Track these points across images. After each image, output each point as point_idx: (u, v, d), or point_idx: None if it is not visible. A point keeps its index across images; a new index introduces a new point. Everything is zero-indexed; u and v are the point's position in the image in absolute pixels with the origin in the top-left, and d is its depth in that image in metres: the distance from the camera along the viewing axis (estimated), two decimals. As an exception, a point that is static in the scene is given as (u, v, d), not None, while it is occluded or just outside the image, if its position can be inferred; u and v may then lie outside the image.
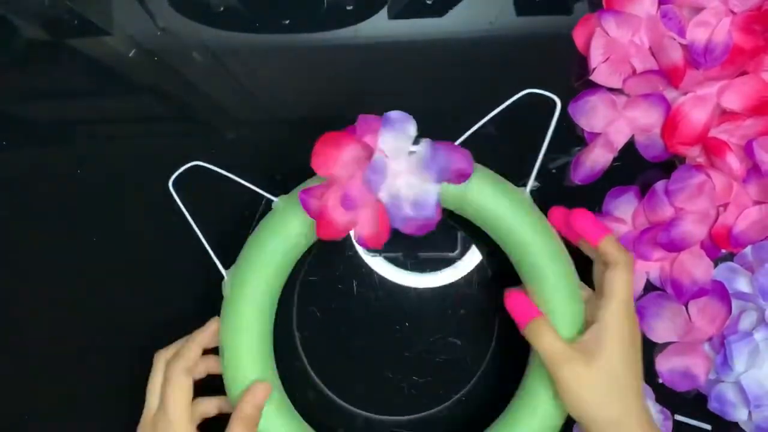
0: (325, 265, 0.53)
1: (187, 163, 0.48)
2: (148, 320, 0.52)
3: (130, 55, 0.55)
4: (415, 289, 0.52)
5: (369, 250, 0.52)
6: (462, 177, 0.42)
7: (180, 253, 0.52)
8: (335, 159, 0.41)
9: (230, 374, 0.44)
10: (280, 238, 0.45)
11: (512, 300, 0.45)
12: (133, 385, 0.47)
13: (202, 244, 0.46)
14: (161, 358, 0.46)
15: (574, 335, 0.44)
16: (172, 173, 0.50)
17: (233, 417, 0.43)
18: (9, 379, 0.53)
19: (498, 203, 0.45)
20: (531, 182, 0.47)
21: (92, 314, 0.53)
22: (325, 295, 0.53)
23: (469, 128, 0.52)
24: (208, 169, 0.46)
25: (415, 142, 0.42)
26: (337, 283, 0.52)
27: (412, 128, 0.42)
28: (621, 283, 0.42)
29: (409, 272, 0.52)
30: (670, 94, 0.51)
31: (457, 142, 0.44)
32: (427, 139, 0.42)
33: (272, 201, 0.46)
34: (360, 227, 0.42)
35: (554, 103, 0.45)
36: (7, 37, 0.55)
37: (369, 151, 0.41)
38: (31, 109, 0.56)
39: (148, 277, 0.53)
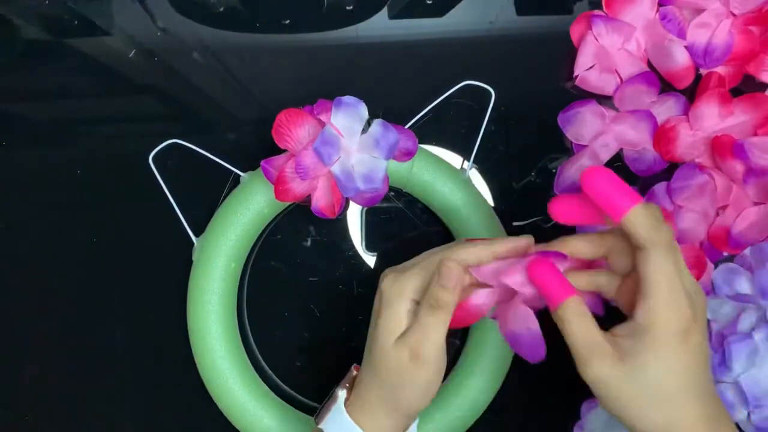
0: (326, 265, 0.53)
1: (187, 162, 0.51)
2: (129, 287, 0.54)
3: (130, 55, 0.54)
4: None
5: (369, 249, 0.52)
6: (408, 155, 0.47)
7: (165, 232, 0.53)
8: (293, 133, 0.46)
9: (194, 326, 0.49)
10: (245, 208, 0.49)
11: (542, 271, 0.36)
12: (121, 346, 0.53)
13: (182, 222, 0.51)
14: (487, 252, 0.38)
15: None
16: (172, 172, 0.51)
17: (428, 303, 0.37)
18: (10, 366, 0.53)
19: (439, 181, 0.49)
20: (470, 165, 0.52)
21: (90, 311, 0.53)
22: (325, 295, 0.53)
23: (469, 126, 0.52)
24: (186, 147, 0.51)
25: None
26: (337, 283, 0.53)
27: (363, 111, 0.46)
28: (660, 272, 0.33)
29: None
30: (657, 109, 0.51)
31: (407, 126, 0.50)
32: (379, 119, 0.46)
33: (240, 176, 0.50)
34: (316, 199, 0.47)
35: (489, 93, 0.51)
36: (7, 37, 0.55)
37: (322, 127, 0.46)
38: (31, 109, 0.56)
39: (135, 262, 0.54)
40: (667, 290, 0.33)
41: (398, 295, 0.38)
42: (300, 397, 0.52)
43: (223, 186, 0.52)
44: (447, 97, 0.51)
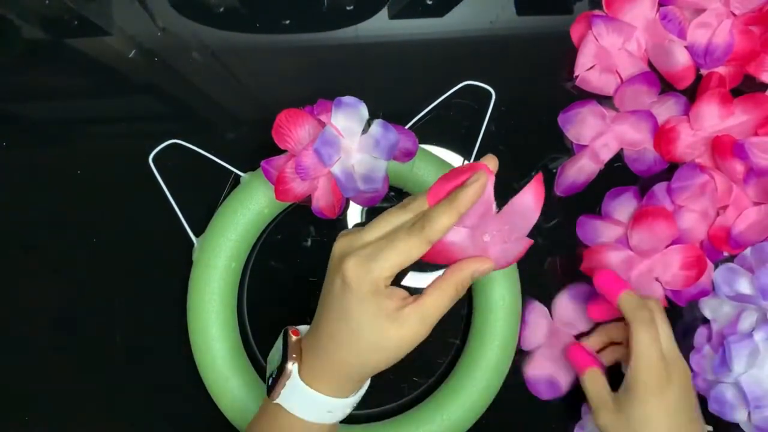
0: (326, 265, 0.52)
1: (187, 162, 0.51)
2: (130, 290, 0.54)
3: (130, 55, 0.54)
4: (416, 289, 0.52)
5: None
6: (408, 156, 0.47)
7: (166, 232, 0.52)
8: (293, 133, 0.46)
9: (194, 326, 0.49)
10: (245, 208, 0.49)
11: (575, 351, 0.49)
12: (121, 346, 0.52)
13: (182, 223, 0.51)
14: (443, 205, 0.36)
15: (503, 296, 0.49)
16: (172, 172, 0.51)
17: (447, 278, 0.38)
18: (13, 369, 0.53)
19: None
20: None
21: (90, 310, 0.53)
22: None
23: (470, 127, 0.52)
24: (186, 147, 0.51)
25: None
26: (337, 283, 0.52)
27: (363, 111, 0.45)
28: (640, 344, 0.44)
29: (409, 272, 0.52)
30: (657, 109, 0.51)
31: (407, 126, 0.50)
32: (380, 120, 0.45)
33: (240, 176, 0.50)
34: (316, 200, 0.47)
35: (489, 93, 0.51)
36: (7, 37, 0.55)
37: (323, 127, 0.45)
38: (31, 109, 0.56)
39: (135, 262, 0.54)
40: (644, 358, 0.44)
41: (373, 292, 0.36)
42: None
43: (223, 186, 0.52)
44: (447, 97, 0.51)
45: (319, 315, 0.39)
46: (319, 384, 0.38)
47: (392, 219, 0.38)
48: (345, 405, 0.39)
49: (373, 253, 0.36)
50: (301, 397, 0.38)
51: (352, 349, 0.37)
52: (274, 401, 0.39)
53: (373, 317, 0.36)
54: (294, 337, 0.39)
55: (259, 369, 0.51)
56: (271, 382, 0.39)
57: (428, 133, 0.52)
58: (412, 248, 0.36)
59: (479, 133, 0.51)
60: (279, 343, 0.40)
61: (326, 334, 0.38)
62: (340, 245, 0.38)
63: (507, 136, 0.53)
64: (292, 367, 0.38)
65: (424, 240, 0.36)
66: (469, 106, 0.53)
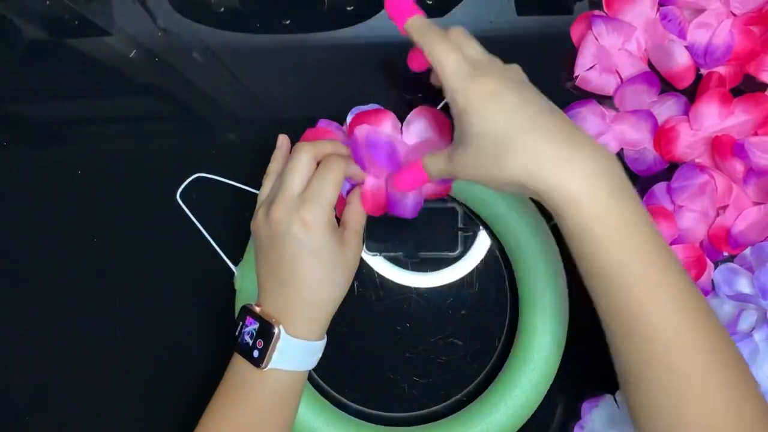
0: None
1: (187, 162, 0.51)
2: (162, 323, 0.53)
3: (131, 55, 0.54)
4: (416, 289, 0.52)
5: (369, 250, 0.52)
6: None
7: (186, 256, 0.52)
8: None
9: None
10: None
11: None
12: (155, 385, 0.51)
13: (208, 247, 0.50)
14: (307, 147, 0.43)
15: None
16: (173, 173, 0.51)
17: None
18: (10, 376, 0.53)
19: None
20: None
21: (93, 315, 0.53)
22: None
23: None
24: (211, 178, 0.50)
25: None
26: (337, 283, 0.52)
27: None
28: (436, 57, 0.39)
29: (409, 272, 0.53)
30: (657, 109, 0.51)
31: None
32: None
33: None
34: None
35: None
36: (7, 37, 0.55)
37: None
38: (31, 109, 0.56)
39: (155, 278, 0.53)
40: (445, 67, 0.39)
41: (329, 225, 0.42)
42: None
43: (241, 206, 0.52)
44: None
45: (282, 273, 0.42)
46: (304, 332, 0.42)
47: (293, 173, 0.42)
48: (323, 346, 0.44)
49: (312, 195, 0.42)
50: (294, 351, 0.42)
51: (326, 283, 0.42)
52: (267, 368, 0.41)
53: (336, 245, 0.42)
54: (258, 308, 0.43)
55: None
56: (257, 353, 0.41)
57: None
58: (336, 174, 0.42)
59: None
60: (242, 322, 0.43)
61: (298, 282, 0.42)
62: (278, 210, 0.42)
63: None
64: (278, 328, 0.41)
65: (339, 165, 0.43)
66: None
